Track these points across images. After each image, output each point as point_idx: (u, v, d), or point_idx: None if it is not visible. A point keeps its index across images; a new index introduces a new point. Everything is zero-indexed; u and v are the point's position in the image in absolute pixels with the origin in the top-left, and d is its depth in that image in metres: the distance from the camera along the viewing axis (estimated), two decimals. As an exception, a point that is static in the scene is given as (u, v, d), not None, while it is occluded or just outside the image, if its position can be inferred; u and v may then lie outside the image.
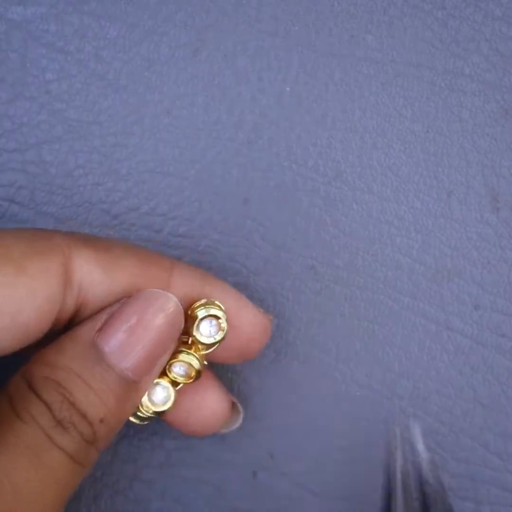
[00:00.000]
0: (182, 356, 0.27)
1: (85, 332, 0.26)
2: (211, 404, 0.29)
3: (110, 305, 0.27)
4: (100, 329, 0.26)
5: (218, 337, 0.27)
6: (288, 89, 0.33)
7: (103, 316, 0.26)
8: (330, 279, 0.32)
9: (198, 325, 0.27)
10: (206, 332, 0.27)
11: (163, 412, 0.27)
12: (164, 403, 0.27)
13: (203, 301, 0.27)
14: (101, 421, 0.25)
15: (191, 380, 0.27)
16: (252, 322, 0.29)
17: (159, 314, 0.26)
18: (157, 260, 0.27)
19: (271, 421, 0.32)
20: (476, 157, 0.32)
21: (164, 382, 0.27)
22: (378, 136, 0.32)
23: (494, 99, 0.32)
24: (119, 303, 0.26)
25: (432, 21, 0.32)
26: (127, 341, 0.25)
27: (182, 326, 0.27)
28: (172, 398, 0.27)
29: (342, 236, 0.32)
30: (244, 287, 0.32)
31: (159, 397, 0.27)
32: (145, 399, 0.27)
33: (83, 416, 0.25)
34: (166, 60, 0.32)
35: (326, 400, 0.32)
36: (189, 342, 0.27)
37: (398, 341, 0.32)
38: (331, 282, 0.32)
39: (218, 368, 0.31)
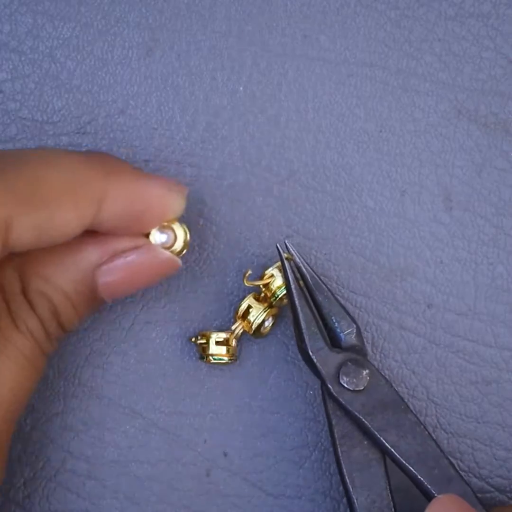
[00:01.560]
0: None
1: (87, 260, 0.28)
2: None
3: (115, 239, 0.28)
4: (102, 264, 0.28)
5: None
6: (241, 88, 0.33)
7: (108, 252, 0.28)
8: (284, 278, 0.32)
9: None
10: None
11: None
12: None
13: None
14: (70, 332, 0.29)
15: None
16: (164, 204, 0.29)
17: (156, 269, 0.29)
18: (90, 196, 0.26)
19: (225, 420, 0.32)
20: (429, 157, 0.32)
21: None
22: (331, 135, 0.33)
23: (447, 98, 0.32)
24: (125, 242, 0.28)
25: (385, 21, 0.33)
26: (120, 284, 0.28)
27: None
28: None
29: (295, 235, 0.32)
30: (198, 287, 0.32)
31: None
32: None
33: (63, 329, 0.28)
34: (120, 60, 0.33)
35: (279, 400, 0.32)
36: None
37: (351, 340, 0.32)
38: (284, 281, 0.32)
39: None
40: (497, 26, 0.32)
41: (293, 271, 0.30)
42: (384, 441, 0.28)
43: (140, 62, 0.33)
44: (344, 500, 0.31)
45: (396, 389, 0.29)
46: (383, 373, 0.29)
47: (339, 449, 0.28)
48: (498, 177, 0.32)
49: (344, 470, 0.28)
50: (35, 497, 0.32)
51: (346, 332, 0.30)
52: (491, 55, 0.32)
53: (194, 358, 0.32)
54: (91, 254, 0.28)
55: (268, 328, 0.31)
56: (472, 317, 0.32)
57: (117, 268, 0.28)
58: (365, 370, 0.29)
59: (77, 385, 0.32)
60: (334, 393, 0.28)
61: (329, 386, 0.29)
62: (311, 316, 0.29)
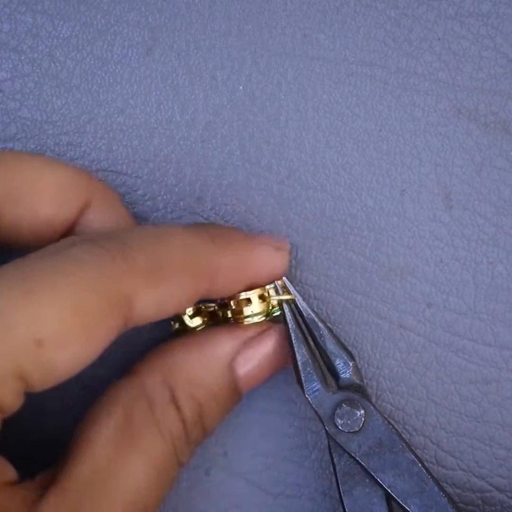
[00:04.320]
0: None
1: (224, 354, 0.29)
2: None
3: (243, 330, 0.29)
4: (238, 354, 0.29)
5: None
6: (241, 88, 0.33)
7: (241, 341, 0.29)
8: (284, 277, 0.32)
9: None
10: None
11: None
12: None
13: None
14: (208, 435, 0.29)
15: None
16: (274, 272, 0.30)
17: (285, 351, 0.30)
18: (205, 275, 0.27)
19: (225, 420, 0.32)
20: (429, 156, 0.32)
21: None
22: (331, 135, 0.33)
23: (447, 98, 0.32)
24: (254, 328, 0.29)
25: (385, 20, 0.33)
26: (257, 371, 0.29)
27: None
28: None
29: (295, 235, 0.32)
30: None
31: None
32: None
33: (204, 434, 0.29)
34: (119, 59, 0.33)
35: (279, 399, 0.32)
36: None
37: (351, 340, 0.32)
38: (284, 280, 0.32)
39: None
40: (497, 25, 0.32)
41: (292, 311, 0.30)
42: (381, 482, 0.28)
43: (139, 61, 0.33)
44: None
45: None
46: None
47: (341, 488, 0.28)
48: (498, 176, 0.32)
49: (347, 510, 0.28)
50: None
51: (342, 371, 0.29)
52: (491, 54, 0.32)
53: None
54: (225, 346, 0.29)
55: None
56: (472, 316, 0.32)
57: (254, 357, 0.29)
58: (359, 411, 0.28)
59: (76, 385, 0.32)
60: (331, 435, 0.29)
61: (326, 427, 0.29)
62: (307, 356, 0.29)
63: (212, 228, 0.29)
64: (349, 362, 0.29)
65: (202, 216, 0.32)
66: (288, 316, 0.30)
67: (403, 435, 0.32)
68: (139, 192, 0.32)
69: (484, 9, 0.32)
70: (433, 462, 0.32)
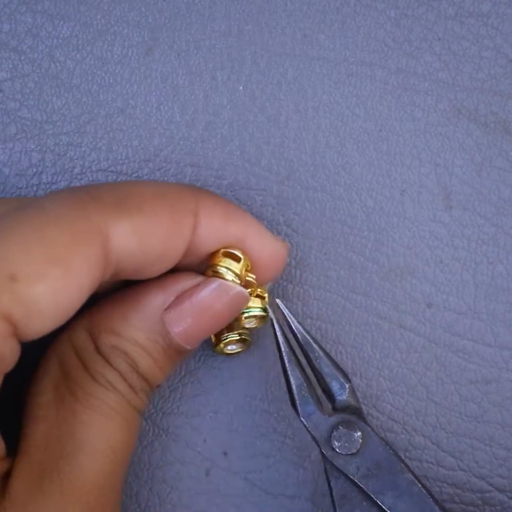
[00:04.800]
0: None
1: (152, 307, 0.27)
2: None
3: (176, 280, 0.28)
4: (168, 308, 0.27)
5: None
6: (241, 88, 0.33)
7: (171, 294, 0.28)
8: (283, 278, 0.32)
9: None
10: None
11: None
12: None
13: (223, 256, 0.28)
14: (158, 386, 0.29)
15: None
16: (271, 253, 0.29)
17: (228, 305, 0.28)
18: (183, 207, 0.27)
19: (225, 420, 0.32)
20: (429, 156, 0.32)
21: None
22: (331, 135, 0.33)
23: (447, 98, 0.32)
24: (187, 281, 0.28)
25: (385, 20, 0.33)
26: (193, 326, 0.28)
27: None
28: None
29: (295, 235, 0.32)
30: (198, 286, 0.32)
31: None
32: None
33: (147, 381, 0.28)
34: (119, 59, 0.33)
35: (279, 400, 0.32)
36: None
37: (351, 340, 0.32)
38: (284, 280, 0.32)
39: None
40: (497, 25, 0.32)
41: (284, 333, 0.29)
42: (381, 504, 0.28)
43: (139, 61, 0.33)
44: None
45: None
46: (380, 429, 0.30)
47: (338, 511, 0.28)
48: (498, 176, 0.32)
49: None
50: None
51: (338, 393, 0.29)
52: (491, 54, 0.32)
53: (194, 358, 0.32)
54: (154, 299, 0.28)
55: (233, 352, 0.31)
56: (472, 316, 0.32)
57: (184, 311, 0.27)
58: (357, 432, 0.28)
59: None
60: (328, 457, 0.28)
61: (323, 451, 0.28)
62: (302, 379, 0.29)
63: (196, 186, 0.29)
64: (345, 384, 0.29)
65: (202, 216, 0.32)
66: (281, 339, 0.29)
67: (403, 435, 0.32)
68: (139, 192, 0.32)
69: (484, 9, 0.32)
70: (433, 462, 0.32)
